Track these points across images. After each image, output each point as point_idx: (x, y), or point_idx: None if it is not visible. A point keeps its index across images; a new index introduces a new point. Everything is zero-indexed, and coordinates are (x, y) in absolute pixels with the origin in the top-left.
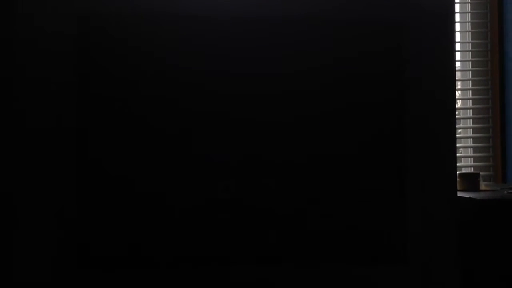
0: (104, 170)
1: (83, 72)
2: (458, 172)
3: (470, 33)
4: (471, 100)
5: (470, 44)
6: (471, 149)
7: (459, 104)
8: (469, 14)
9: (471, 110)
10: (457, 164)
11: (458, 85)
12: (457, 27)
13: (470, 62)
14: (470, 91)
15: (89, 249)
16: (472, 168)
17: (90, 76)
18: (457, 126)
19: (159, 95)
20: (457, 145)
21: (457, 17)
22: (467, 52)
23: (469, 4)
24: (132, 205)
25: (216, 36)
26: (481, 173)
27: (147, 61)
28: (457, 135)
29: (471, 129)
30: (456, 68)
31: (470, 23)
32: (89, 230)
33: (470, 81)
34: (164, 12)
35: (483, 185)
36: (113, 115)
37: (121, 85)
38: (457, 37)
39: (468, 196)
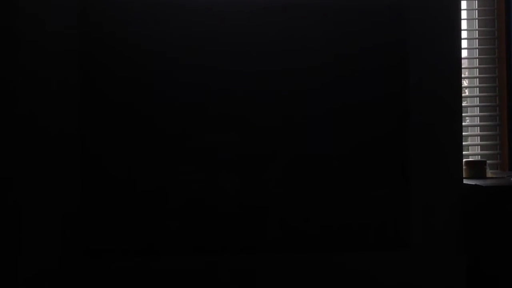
0: (107, 165)
1: (85, 69)
2: (464, 160)
3: (477, 20)
4: (478, 88)
5: (477, 31)
6: (478, 137)
7: (466, 92)
8: (476, 1)
9: (478, 98)
10: (464, 152)
11: (465, 73)
12: (464, 14)
13: (477, 50)
14: (477, 79)
15: (94, 241)
16: (479, 156)
17: (91, 74)
18: (464, 114)
19: (161, 91)
20: (464, 133)
21: (464, 4)
22: (474, 40)
23: None
24: (135, 199)
25: (217, 30)
26: (488, 161)
27: (149, 57)
28: (464, 124)
29: (478, 118)
30: (463, 57)
31: (477, 11)
32: (94, 223)
33: (477, 69)
34: (167, 3)
35: (489, 173)
36: (115, 112)
37: (122, 82)
38: (464, 24)
39: (474, 183)
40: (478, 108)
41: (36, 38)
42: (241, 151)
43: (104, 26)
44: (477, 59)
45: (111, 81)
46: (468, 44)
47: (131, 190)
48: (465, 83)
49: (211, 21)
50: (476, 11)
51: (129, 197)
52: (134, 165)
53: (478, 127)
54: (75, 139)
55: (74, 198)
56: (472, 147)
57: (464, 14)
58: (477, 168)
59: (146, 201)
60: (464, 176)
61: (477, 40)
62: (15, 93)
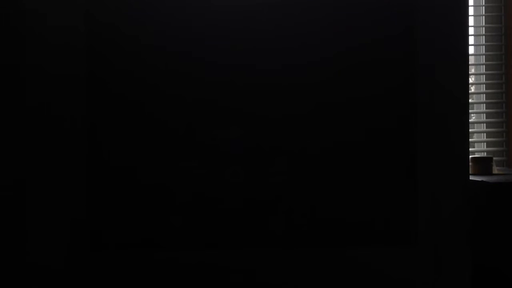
0: (113, 160)
1: (91, 65)
2: (470, 156)
3: (484, 17)
4: (484, 85)
5: (484, 28)
6: (484, 134)
7: (472, 89)
8: None
9: (484, 95)
10: (470, 149)
11: (472, 69)
12: (471, 11)
13: (484, 47)
14: (484, 76)
15: (100, 235)
16: (485, 153)
17: (98, 70)
18: (470, 111)
19: (166, 86)
20: (470, 130)
21: (471, 0)
22: (481, 36)
23: None
24: (141, 193)
25: (222, 25)
26: (494, 158)
27: (154, 52)
28: (470, 120)
29: (484, 114)
30: (470, 53)
31: (484, 7)
32: (100, 217)
33: (484, 66)
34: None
35: (495, 169)
36: (121, 108)
37: (128, 78)
38: (471, 21)
39: (480, 180)
40: (484, 104)
41: (42, 34)
42: (246, 146)
43: (111, 22)
44: (484, 56)
45: (117, 77)
46: (475, 40)
47: (136, 185)
48: (471, 79)
49: (216, 16)
50: (483, 7)
51: (134, 192)
52: (140, 160)
53: (484, 124)
54: (82, 134)
55: (81, 192)
56: (478, 144)
57: (471, 11)
58: (483, 164)
59: (152, 196)
60: (470, 172)
61: (484, 36)
62: (21, 91)
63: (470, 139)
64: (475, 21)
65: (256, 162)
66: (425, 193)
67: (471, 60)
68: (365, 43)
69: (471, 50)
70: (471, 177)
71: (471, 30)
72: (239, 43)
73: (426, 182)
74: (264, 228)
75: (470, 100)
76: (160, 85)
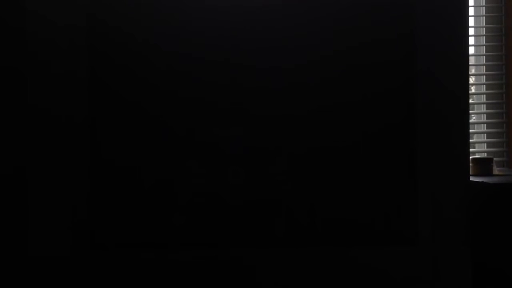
0: (114, 159)
1: (93, 64)
2: (471, 157)
3: (484, 17)
4: (485, 85)
5: (484, 28)
6: (485, 134)
7: (472, 89)
8: None
9: (484, 96)
10: (471, 149)
11: (472, 70)
12: (471, 11)
13: (484, 47)
14: (484, 76)
15: (101, 234)
16: (486, 154)
17: (100, 69)
18: (470, 112)
19: (168, 86)
20: (471, 130)
21: (471, 1)
22: (481, 37)
23: None
24: (142, 192)
25: (223, 26)
26: (494, 159)
27: (155, 52)
28: (470, 121)
29: (485, 115)
30: (470, 53)
31: (484, 8)
32: (101, 217)
33: (484, 66)
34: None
35: (496, 170)
36: (122, 107)
37: (129, 77)
38: (471, 21)
39: (480, 181)
40: (484, 105)
41: (44, 33)
42: (246, 146)
43: (113, 22)
44: (484, 56)
45: (119, 76)
46: (475, 41)
47: (137, 184)
48: (472, 80)
49: (216, 16)
50: (484, 7)
51: (135, 191)
52: (141, 160)
53: (485, 125)
54: (84, 133)
55: (82, 191)
56: (479, 145)
57: (471, 11)
58: (483, 165)
59: (152, 195)
60: (470, 173)
61: (484, 37)
62: (23, 89)
63: (470, 140)
64: (475, 21)
65: (256, 162)
66: (425, 193)
67: (471, 60)
68: (365, 43)
69: (471, 50)
70: (472, 178)
71: (471, 31)
72: (240, 43)
73: (427, 182)
74: (264, 228)
75: (470, 101)
76: (161, 85)
